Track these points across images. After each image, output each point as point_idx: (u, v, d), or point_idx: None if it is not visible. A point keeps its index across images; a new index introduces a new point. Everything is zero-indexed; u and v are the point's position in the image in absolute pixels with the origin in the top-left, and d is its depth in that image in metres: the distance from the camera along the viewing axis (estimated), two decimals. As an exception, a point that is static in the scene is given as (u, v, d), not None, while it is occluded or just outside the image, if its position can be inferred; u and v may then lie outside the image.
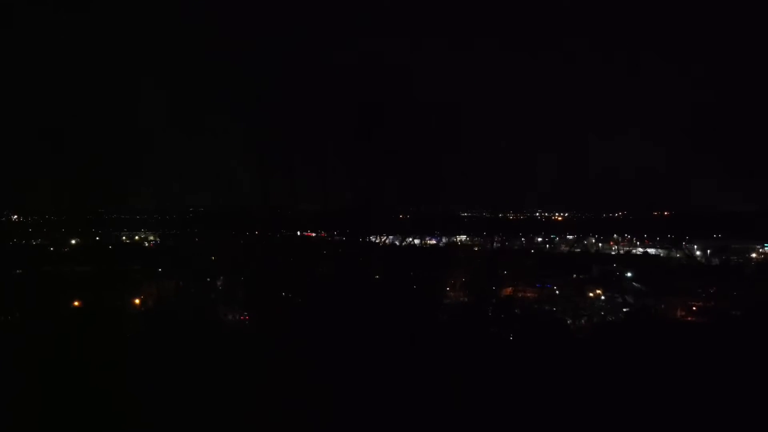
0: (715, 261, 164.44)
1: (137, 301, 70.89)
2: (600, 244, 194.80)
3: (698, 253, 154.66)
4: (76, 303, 62.65)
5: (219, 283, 72.95)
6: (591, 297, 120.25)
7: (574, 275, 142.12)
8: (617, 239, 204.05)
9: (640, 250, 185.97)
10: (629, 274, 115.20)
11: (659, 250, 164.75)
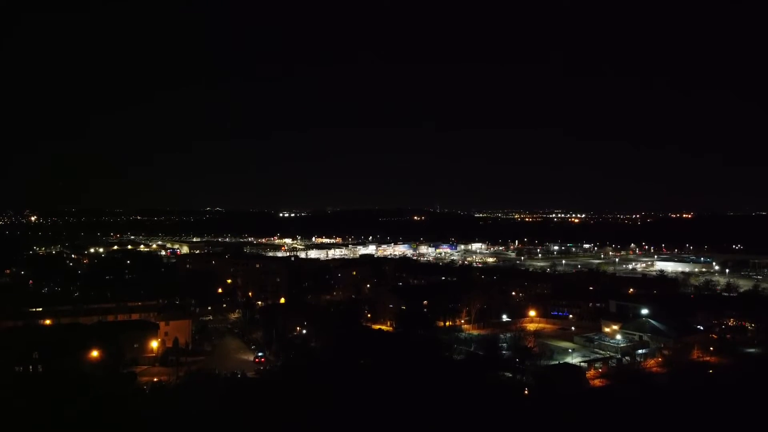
0: (735, 281, 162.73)
1: (155, 345, 77.42)
2: (617, 259, 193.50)
3: (717, 267, 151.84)
4: (95, 353, 68.81)
5: (236, 316, 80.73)
6: (608, 333, 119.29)
7: (591, 303, 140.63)
8: (634, 248, 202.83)
9: (659, 265, 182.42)
10: (645, 311, 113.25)
11: (677, 265, 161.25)
